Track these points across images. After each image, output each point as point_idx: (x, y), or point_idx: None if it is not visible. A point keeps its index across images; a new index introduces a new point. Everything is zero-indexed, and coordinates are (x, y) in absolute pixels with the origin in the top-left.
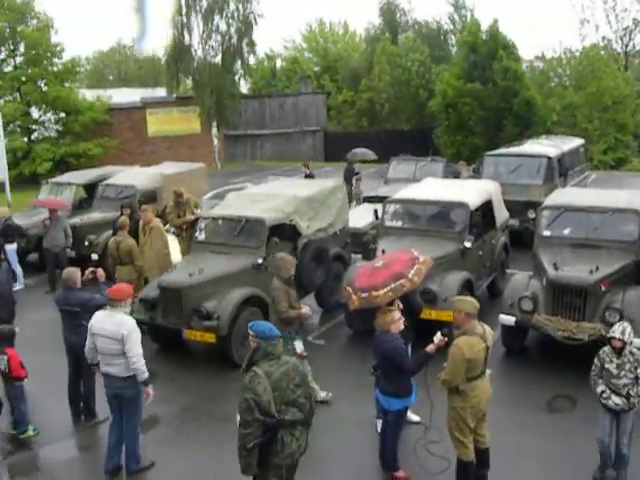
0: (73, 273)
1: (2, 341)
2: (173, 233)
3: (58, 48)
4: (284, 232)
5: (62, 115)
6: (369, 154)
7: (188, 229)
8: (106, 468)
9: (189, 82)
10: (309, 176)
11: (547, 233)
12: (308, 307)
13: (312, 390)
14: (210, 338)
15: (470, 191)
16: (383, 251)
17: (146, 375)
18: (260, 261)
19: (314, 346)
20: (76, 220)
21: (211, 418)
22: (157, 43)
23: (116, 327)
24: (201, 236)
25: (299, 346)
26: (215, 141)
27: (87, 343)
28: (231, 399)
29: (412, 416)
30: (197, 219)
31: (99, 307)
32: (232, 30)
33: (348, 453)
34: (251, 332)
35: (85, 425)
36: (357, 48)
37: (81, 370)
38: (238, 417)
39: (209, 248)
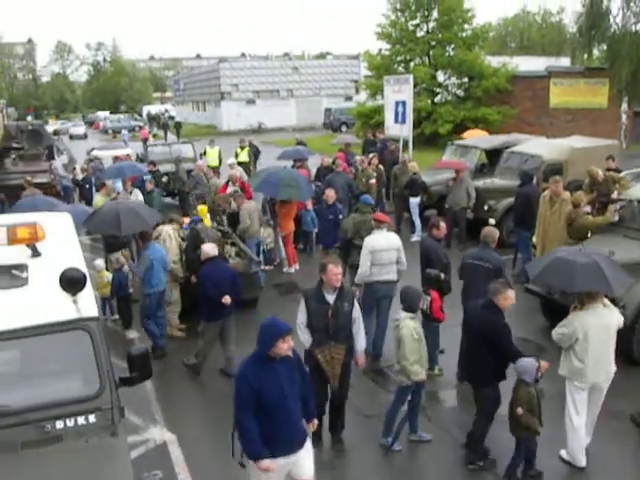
0: (493, 232)
1: (430, 284)
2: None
3: (469, 14)
4: None
5: (465, 80)
6: None
7: (598, 207)
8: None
9: (596, 52)
10: None
11: None
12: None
13: None
14: None
15: None
16: None
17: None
18: None
19: None
20: (478, 184)
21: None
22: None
23: (393, 240)
24: (614, 218)
25: None
26: (623, 117)
27: (363, 262)
28: (624, 397)
29: None
30: (610, 200)
31: (501, 271)
32: None
33: None
34: None
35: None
36: None
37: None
38: None
39: (622, 232)
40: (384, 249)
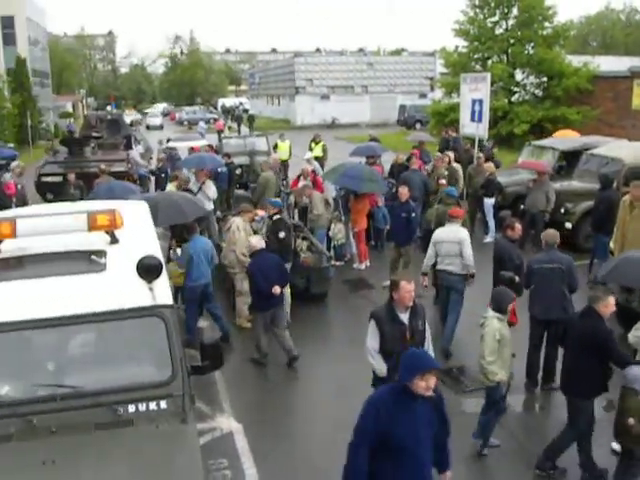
0: (555, 233)
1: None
2: None
3: (550, 11)
4: None
5: (544, 79)
6: None
7: None
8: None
9: None
10: None
11: None
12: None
13: None
14: None
15: None
16: None
17: (473, 270)
18: None
19: None
20: (556, 185)
21: None
22: None
23: (457, 233)
24: None
25: None
26: None
27: (428, 251)
28: None
29: None
30: None
31: (572, 271)
32: None
33: None
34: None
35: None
36: None
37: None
38: None
39: None
40: (444, 240)
